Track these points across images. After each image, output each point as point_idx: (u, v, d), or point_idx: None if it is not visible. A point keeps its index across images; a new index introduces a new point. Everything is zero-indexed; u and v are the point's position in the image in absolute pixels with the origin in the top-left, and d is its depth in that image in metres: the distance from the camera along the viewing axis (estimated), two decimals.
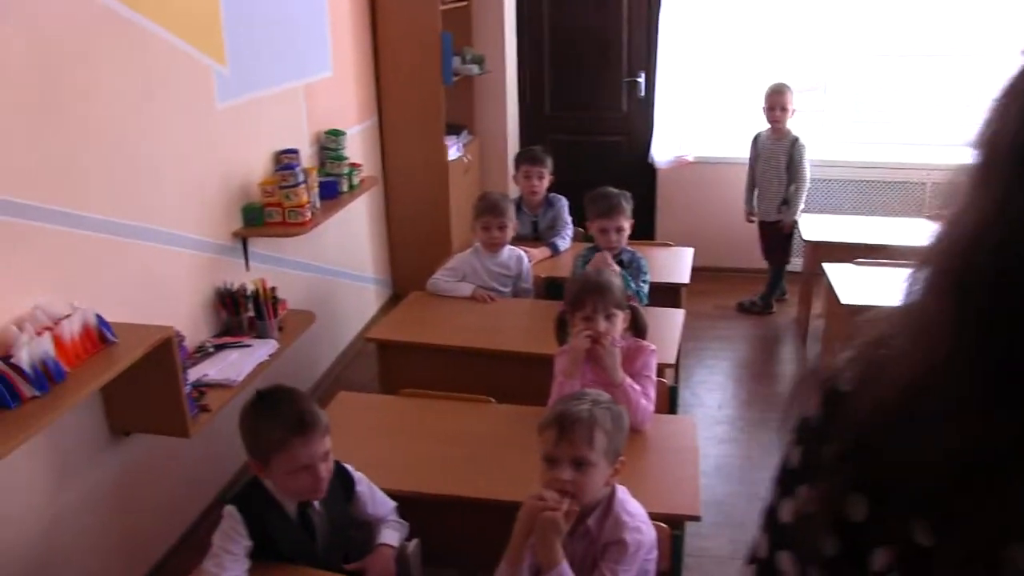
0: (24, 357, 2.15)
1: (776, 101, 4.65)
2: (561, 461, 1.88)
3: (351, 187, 4.03)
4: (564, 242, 4.17)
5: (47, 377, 2.20)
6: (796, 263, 5.23)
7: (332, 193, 3.85)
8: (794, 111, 4.69)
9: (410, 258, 5.13)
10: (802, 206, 4.82)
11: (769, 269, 5.08)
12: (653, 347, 2.64)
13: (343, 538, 2.15)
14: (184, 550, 3.10)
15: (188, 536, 3.16)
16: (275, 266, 3.70)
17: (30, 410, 2.13)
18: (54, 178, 2.44)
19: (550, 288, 3.84)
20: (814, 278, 4.72)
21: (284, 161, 3.57)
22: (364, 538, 2.22)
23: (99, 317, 2.45)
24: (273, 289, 3.30)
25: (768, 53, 5.39)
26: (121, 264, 2.75)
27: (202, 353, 3.08)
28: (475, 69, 5.18)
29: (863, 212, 5.32)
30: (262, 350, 3.16)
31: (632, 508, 1.97)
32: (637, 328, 2.68)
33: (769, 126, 4.77)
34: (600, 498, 1.94)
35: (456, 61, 5.02)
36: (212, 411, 2.81)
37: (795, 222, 4.78)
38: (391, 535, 2.17)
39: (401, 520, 2.23)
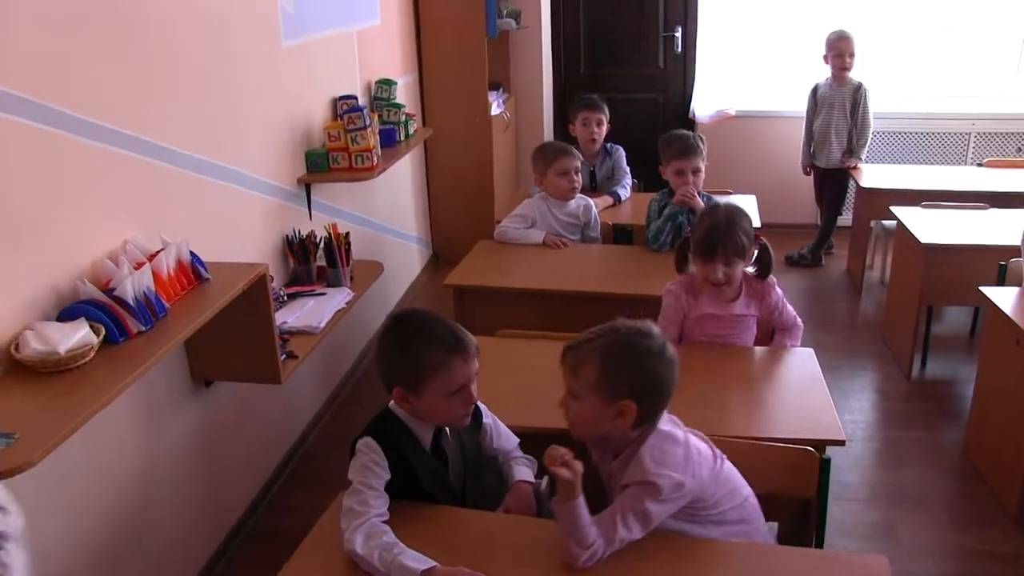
0: (129, 290, 2.01)
1: (846, 48, 4.60)
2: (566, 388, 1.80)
3: (407, 136, 3.89)
4: (625, 191, 4.06)
5: (151, 311, 2.06)
6: (843, 219, 5.16)
7: (391, 141, 3.71)
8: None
9: (451, 218, 5.00)
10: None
11: (821, 220, 5.02)
12: (772, 279, 2.58)
13: (475, 472, 2.03)
14: (263, 510, 2.98)
15: (266, 492, 3.03)
16: (334, 217, 3.55)
17: (139, 345, 1.98)
18: (140, 108, 2.29)
19: (618, 235, 3.72)
20: (866, 229, 4.67)
21: (343, 107, 3.42)
22: (494, 481, 2.10)
23: (193, 253, 2.30)
24: (346, 235, 3.16)
25: (807, 5, 5.29)
26: (201, 202, 2.60)
27: (277, 301, 2.94)
28: (512, 24, 5.03)
29: (907, 163, 5.26)
30: (338, 297, 3.03)
31: (665, 459, 1.72)
32: (763, 267, 2.58)
33: (829, 74, 4.71)
34: (628, 439, 1.77)
35: None
36: (299, 357, 2.67)
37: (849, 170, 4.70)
38: (526, 471, 2.05)
39: (528, 456, 2.12)
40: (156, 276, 2.14)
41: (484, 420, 2.05)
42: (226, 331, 2.48)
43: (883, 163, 5.16)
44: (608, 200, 3.98)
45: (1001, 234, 3.53)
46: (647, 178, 4.31)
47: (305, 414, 3.41)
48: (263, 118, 2.97)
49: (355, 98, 3.52)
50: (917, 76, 5.34)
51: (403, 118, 3.84)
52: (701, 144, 3.43)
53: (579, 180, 3.55)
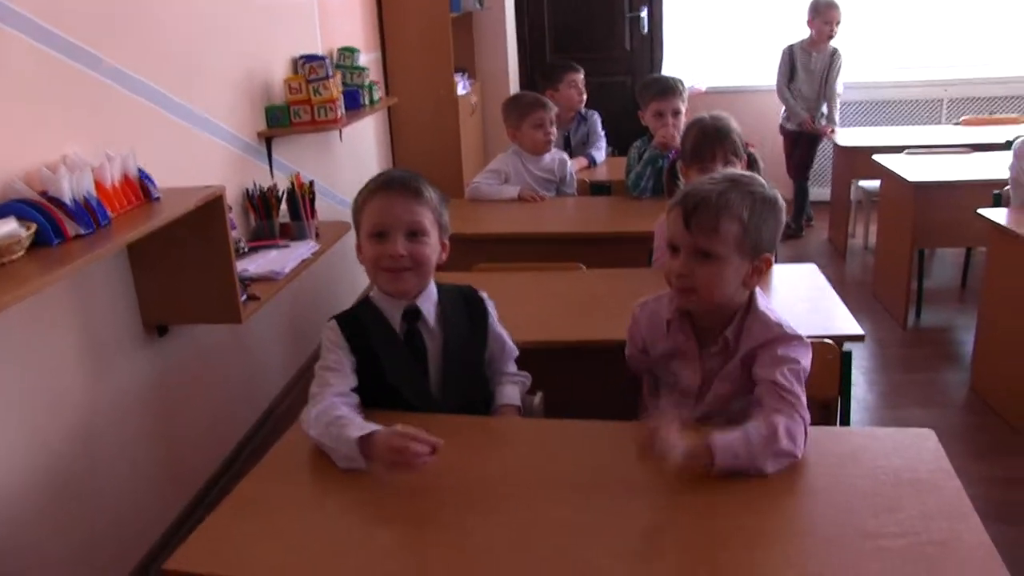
0: (66, 189, 1.80)
1: (835, 16, 4.56)
2: (683, 250, 1.53)
3: (371, 102, 3.72)
4: (600, 154, 3.94)
5: (91, 216, 1.84)
6: (820, 193, 5.09)
7: (355, 103, 3.54)
8: None
9: None
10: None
11: (794, 189, 4.92)
12: None
13: (459, 377, 1.78)
14: (227, 482, 2.72)
15: (230, 463, 2.78)
16: None
17: (76, 248, 1.77)
18: (99, 26, 2.15)
19: (596, 192, 3.58)
20: (846, 194, 4.58)
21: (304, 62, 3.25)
22: (479, 400, 1.86)
23: (142, 170, 2.09)
24: (311, 184, 2.96)
25: None
26: (155, 135, 2.41)
27: (238, 252, 2.72)
28: (476, 4, 4.93)
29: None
30: (303, 248, 2.82)
31: (781, 317, 1.61)
32: None
33: (806, 39, 4.65)
34: (737, 303, 1.58)
35: None
36: (261, 299, 2.45)
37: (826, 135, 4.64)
38: (511, 393, 1.82)
39: (522, 372, 1.89)
40: (99, 186, 1.93)
41: (489, 319, 1.79)
42: (179, 265, 2.27)
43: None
44: (583, 162, 3.85)
45: (988, 172, 3.44)
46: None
47: (274, 384, 3.17)
48: (219, 60, 2.80)
49: (316, 56, 3.35)
50: (887, 44, 5.31)
51: (367, 82, 3.68)
52: (681, 87, 3.31)
53: (554, 132, 3.41)
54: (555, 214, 3.20)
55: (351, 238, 3.30)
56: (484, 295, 1.82)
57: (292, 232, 2.95)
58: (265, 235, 2.93)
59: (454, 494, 1.41)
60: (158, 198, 2.11)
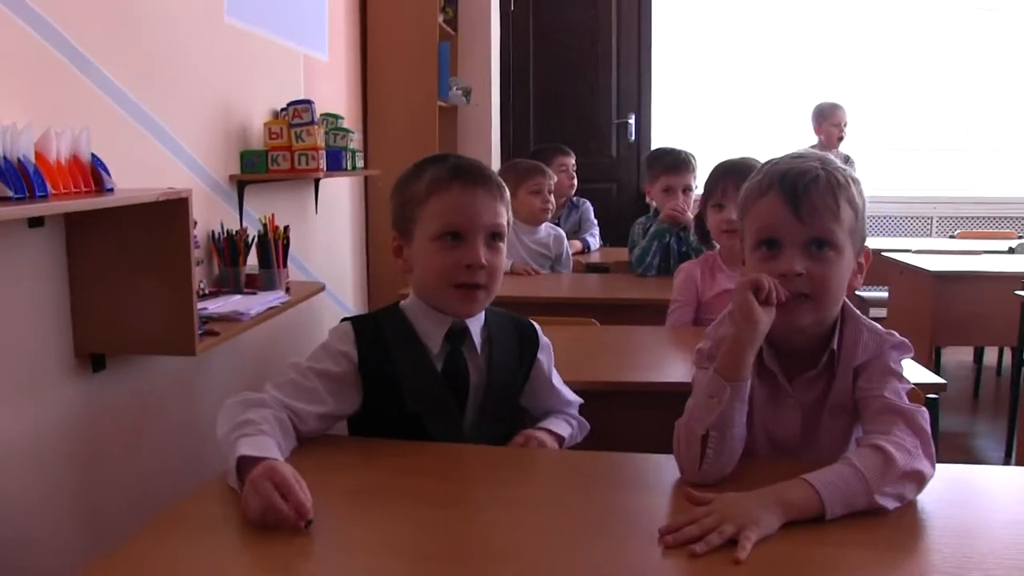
0: None
1: (842, 117, 4.56)
2: (789, 245, 1.20)
3: (353, 167, 3.47)
4: (595, 240, 3.73)
5: (25, 181, 1.49)
6: None
7: (337, 165, 3.27)
8: None
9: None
10: None
11: None
12: None
13: (498, 415, 1.44)
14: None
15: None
16: None
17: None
18: (73, 8, 1.88)
19: (592, 272, 3.33)
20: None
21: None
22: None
23: (95, 156, 1.77)
24: (286, 229, 2.64)
25: (762, 90, 5.31)
26: (115, 139, 2.08)
27: (198, 294, 2.35)
28: (463, 98, 4.82)
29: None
30: (271, 296, 2.47)
31: None
32: None
33: (817, 145, 4.60)
34: (834, 315, 1.26)
35: None
36: (220, 335, 2.07)
37: None
38: (559, 424, 1.48)
39: (581, 418, 1.55)
40: (40, 157, 1.59)
41: (539, 355, 1.48)
42: (127, 285, 1.90)
43: None
44: (577, 246, 3.62)
45: (1009, 267, 3.28)
46: None
47: None
48: (199, 89, 2.54)
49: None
50: (877, 160, 5.31)
51: (350, 144, 3.44)
52: (693, 162, 3.14)
53: (552, 202, 3.19)
54: (552, 286, 2.93)
55: (321, 299, 2.97)
56: (539, 329, 1.50)
57: (260, 282, 2.60)
58: (229, 283, 2.58)
59: (448, 528, 1.09)
60: (111, 189, 1.77)
